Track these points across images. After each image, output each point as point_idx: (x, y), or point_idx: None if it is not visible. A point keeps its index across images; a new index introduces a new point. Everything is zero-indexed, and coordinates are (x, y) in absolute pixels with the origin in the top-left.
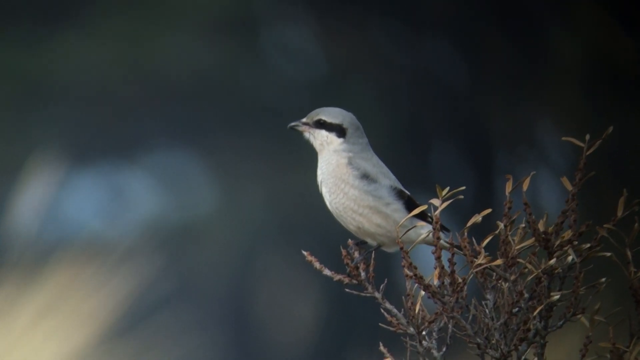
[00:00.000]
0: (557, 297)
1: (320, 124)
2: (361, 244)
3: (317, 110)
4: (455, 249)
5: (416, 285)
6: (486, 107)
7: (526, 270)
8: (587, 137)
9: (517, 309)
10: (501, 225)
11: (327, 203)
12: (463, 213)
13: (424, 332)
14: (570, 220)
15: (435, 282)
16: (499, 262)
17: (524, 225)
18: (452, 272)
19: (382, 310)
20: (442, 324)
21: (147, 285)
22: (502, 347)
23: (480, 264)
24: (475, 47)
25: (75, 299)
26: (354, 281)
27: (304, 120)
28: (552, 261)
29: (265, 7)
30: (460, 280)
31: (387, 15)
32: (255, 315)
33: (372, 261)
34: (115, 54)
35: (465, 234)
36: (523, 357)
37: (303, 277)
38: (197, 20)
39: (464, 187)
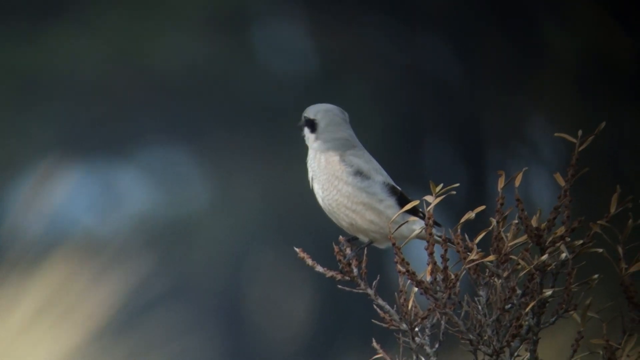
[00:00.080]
0: (550, 293)
1: (305, 122)
2: (353, 241)
3: (307, 107)
4: (448, 243)
5: (409, 281)
6: (480, 103)
7: (519, 266)
8: (580, 133)
9: (509, 305)
10: (494, 221)
11: (320, 200)
12: (456, 209)
13: (416, 329)
14: (563, 217)
15: (428, 278)
16: (491, 258)
17: (516, 221)
18: (445, 268)
19: (374, 307)
20: (434, 320)
21: (141, 282)
22: (494, 343)
23: (472, 260)
24: (470, 44)
25: (70, 297)
26: (347, 277)
27: (301, 120)
28: (545, 257)
29: (260, 4)
30: (452, 276)
31: (381, 12)
32: (249, 312)
33: (364, 257)
34: (110, 50)
35: (459, 230)
36: (515, 353)
37: (296, 274)
38: (192, 17)
39: (457, 184)
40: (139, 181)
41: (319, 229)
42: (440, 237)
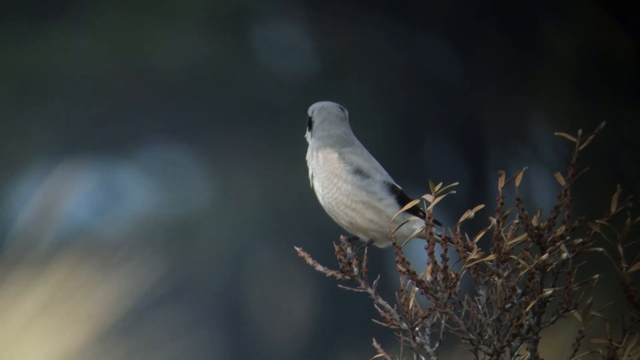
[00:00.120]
0: (550, 292)
1: (307, 119)
2: (354, 240)
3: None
4: (448, 242)
5: (409, 280)
6: (480, 103)
7: (519, 265)
8: (580, 132)
9: (509, 304)
10: (494, 220)
11: (320, 198)
12: (456, 209)
13: (417, 328)
14: (564, 216)
15: (428, 277)
16: (491, 257)
17: (516, 221)
18: (445, 267)
19: (375, 306)
20: (435, 320)
21: (142, 282)
22: (494, 343)
23: (473, 260)
24: (470, 44)
25: (71, 297)
26: (347, 277)
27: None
28: (545, 257)
29: (260, 4)
30: (453, 275)
31: (381, 12)
32: (249, 312)
33: (364, 257)
34: (110, 50)
35: (458, 229)
36: (516, 353)
37: (297, 273)
38: (192, 17)
39: (456, 183)
40: (140, 181)
41: (320, 229)
42: (440, 236)
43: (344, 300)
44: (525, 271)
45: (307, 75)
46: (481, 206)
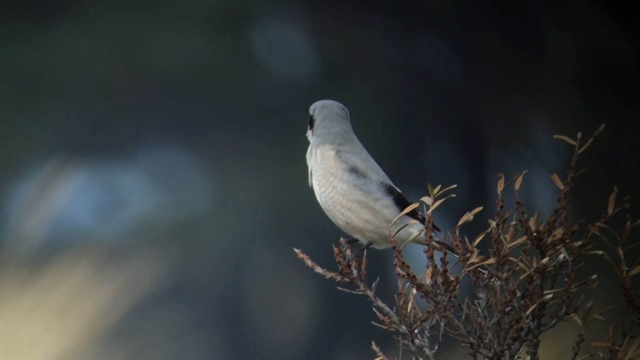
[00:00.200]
0: (550, 295)
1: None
2: (353, 242)
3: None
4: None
5: (408, 283)
6: (480, 103)
7: (518, 268)
8: (579, 135)
9: (509, 307)
10: (493, 223)
11: (317, 197)
12: (456, 211)
13: (416, 331)
14: (562, 219)
15: (428, 281)
16: (491, 261)
17: (515, 223)
18: (445, 271)
19: (374, 309)
20: (433, 322)
21: (142, 283)
22: (495, 346)
23: (473, 263)
24: (470, 44)
25: (71, 298)
26: (346, 279)
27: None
28: (545, 260)
29: (260, 4)
30: (452, 279)
31: (381, 12)
32: (249, 313)
33: (364, 259)
34: (110, 50)
35: (457, 232)
36: (516, 356)
37: (297, 275)
38: (192, 17)
39: (455, 185)
40: (140, 182)
41: (320, 231)
42: (438, 242)
43: (343, 302)
44: (525, 274)
45: (307, 76)
46: (480, 209)
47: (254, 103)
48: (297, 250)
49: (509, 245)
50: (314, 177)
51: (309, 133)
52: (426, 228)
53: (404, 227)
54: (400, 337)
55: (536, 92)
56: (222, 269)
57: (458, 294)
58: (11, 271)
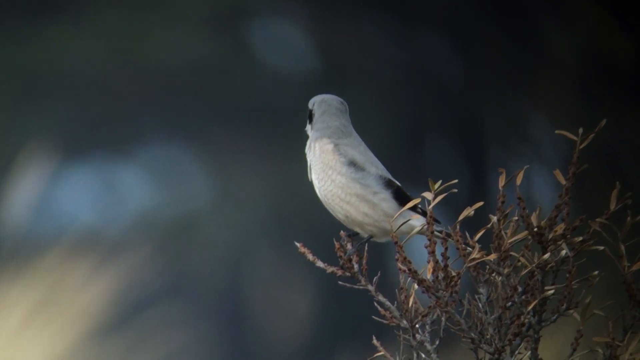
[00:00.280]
0: (552, 291)
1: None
2: (354, 236)
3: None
4: (448, 239)
5: (409, 278)
6: (480, 103)
7: (519, 263)
8: (580, 130)
9: (510, 303)
10: (494, 218)
11: (317, 191)
12: (456, 210)
13: (417, 326)
14: (564, 214)
15: (429, 276)
16: (493, 256)
17: (516, 218)
18: (446, 266)
19: (375, 304)
20: (434, 317)
21: (141, 281)
22: (496, 342)
23: (474, 259)
24: (470, 43)
25: (68, 294)
26: (347, 274)
27: None
28: (546, 256)
29: (260, 3)
30: (454, 274)
31: (381, 12)
32: (250, 310)
33: (365, 253)
34: (110, 47)
35: (458, 227)
36: (517, 352)
37: (298, 271)
38: (192, 16)
39: (456, 181)
40: (140, 180)
41: (320, 227)
42: (440, 232)
43: (344, 298)
44: (526, 270)
45: (307, 75)
46: (480, 203)
47: (254, 101)
48: (298, 244)
49: (510, 241)
50: (313, 171)
51: (308, 127)
52: (428, 223)
53: (406, 222)
54: (401, 332)
55: (536, 92)
56: (221, 266)
57: (459, 289)
58: (9, 268)
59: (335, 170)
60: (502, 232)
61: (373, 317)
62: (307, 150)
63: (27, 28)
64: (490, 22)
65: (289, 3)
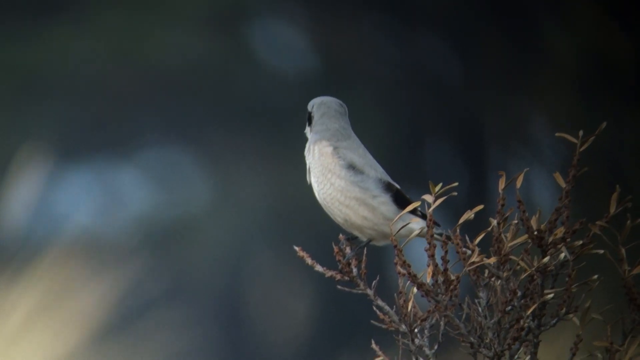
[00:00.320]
0: (551, 295)
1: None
2: (353, 240)
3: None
4: (448, 241)
5: (408, 282)
6: (480, 103)
7: (519, 267)
8: (581, 133)
9: (510, 307)
10: (494, 222)
11: (316, 194)
12: (456, 211)
13: (416, 330)
14: (564, 217)
15: (428, 280)
16: (492, 260)
17: (516, 221)
18: (445, 270)
19: (374, 308)
20: (433, 321)
21: (141, 283)
22: (495, 346)
23: (474, 263)
24: (470, 43)
25: (66, 297)
26: (346, 278)
27: None
28: (546, 259)
29: (260, 3)
30: (453, 278)
31: (381, 12)
32: (249, 313)
33: (364, 257)
34: (110, 47)
35: (458, 230)
36: (516, 356)
37: (297, 274)
38: (192, 16)
39: (456, 184)
40: (139, 181)
41: (320, 230)
42: (440, 235)
43: (343, 301)
44: (526, 274)
45: (307, 75)
46: (480, 207)
47: (254, 102)
48: (297, 248)
49: (509, 244)
50: (312, 174)
51: (307, 130)
52: (428, 226)
53: (405, 225)
54: (400, 337)
55: (536, 92)
56: (221, 268)
57: (458, 293)
58: (7, 271)
59: (335, 174)
60: (502, 236)
61: (372, 321)
62: (306, 152)
63: (27, 28)
64: (490, 22)
65: (289, 3)
